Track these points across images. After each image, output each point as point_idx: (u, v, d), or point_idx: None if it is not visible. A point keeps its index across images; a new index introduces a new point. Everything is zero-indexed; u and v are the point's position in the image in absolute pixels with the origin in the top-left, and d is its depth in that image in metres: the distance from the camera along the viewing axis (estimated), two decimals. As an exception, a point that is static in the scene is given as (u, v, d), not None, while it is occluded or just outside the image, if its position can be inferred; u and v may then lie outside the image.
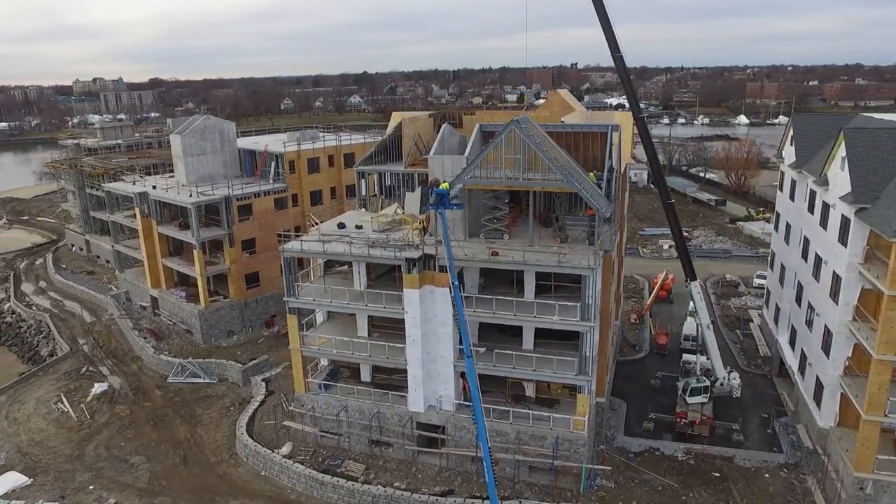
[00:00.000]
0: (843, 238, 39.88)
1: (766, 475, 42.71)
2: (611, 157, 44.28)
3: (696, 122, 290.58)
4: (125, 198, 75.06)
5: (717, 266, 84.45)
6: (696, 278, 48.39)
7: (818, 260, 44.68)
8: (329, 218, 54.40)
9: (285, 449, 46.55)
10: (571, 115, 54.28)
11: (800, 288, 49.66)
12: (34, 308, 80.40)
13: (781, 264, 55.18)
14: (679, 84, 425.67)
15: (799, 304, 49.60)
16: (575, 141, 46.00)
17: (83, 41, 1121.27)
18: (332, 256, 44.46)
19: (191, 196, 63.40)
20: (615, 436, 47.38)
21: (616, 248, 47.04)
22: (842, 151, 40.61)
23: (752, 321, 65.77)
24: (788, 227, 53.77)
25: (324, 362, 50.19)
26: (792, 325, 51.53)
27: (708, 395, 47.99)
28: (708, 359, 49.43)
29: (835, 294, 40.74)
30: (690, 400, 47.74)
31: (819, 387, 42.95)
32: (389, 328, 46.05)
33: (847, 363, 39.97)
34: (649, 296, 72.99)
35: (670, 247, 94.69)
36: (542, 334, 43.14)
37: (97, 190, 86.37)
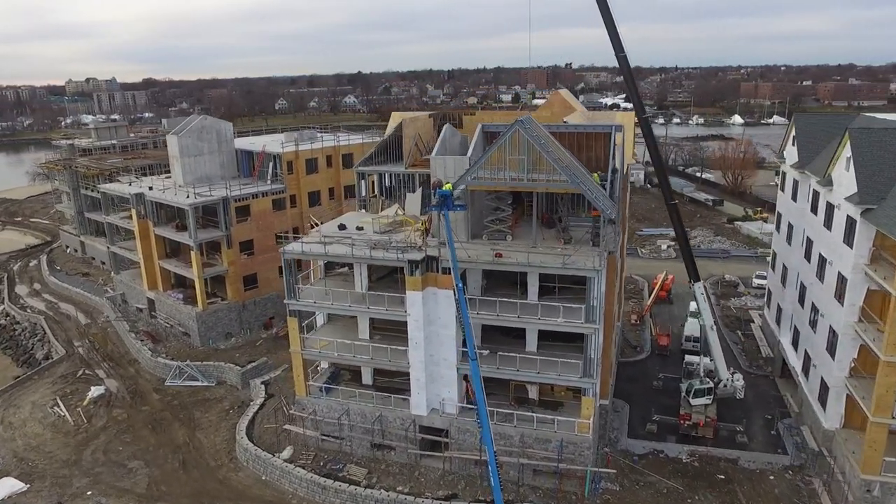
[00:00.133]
0: (848, 239, 39.68)
1: (772, 477, 42.48)
2: (614, 158, 44.00)
3: (690, 121, 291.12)
4: (121, 199, 74.32)
5: (716, 266, 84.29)
6: (700, 279, 48.09)
7: (822, 261, 44.49)
8: (328, 219, 53.92)
9: (286, 453, 46.05)
10: (573, 115, 53.98)
11: (802, 289, 49.48)
12: (29, 310, 79.54)
13: (783, 265, 55.01)
14: (673, 84, 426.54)
15: (802, 305, 49.42)
16: (578, 141, 45.67)
17: (75, 41, 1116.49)
18: (333, 258, 43.96)
19: (188, 197, 62.77)
20: (619, 438, 47.08)
21: (618, 249, 46.69)
22: (847, 152, 40.40)
23: (753, 322, 65.62)
24: (790, 227, 53.59)
25: (324, 365, 49.70)
26: (794, 326, 51.35)
27: (712, 397, 47.74)
28: (711, 360, 49.16)
29: (840, 295, 40.54)
30: (694, 402, 47.48)
31: (824, 388, 42.75)
32: (390, 330, 45.59)
33: (853, 364, 39.77)
34: (649, 296, 72.80)
35: (668, 247, 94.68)
36: (544, 336, 42.84)
37: (92, 191, 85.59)
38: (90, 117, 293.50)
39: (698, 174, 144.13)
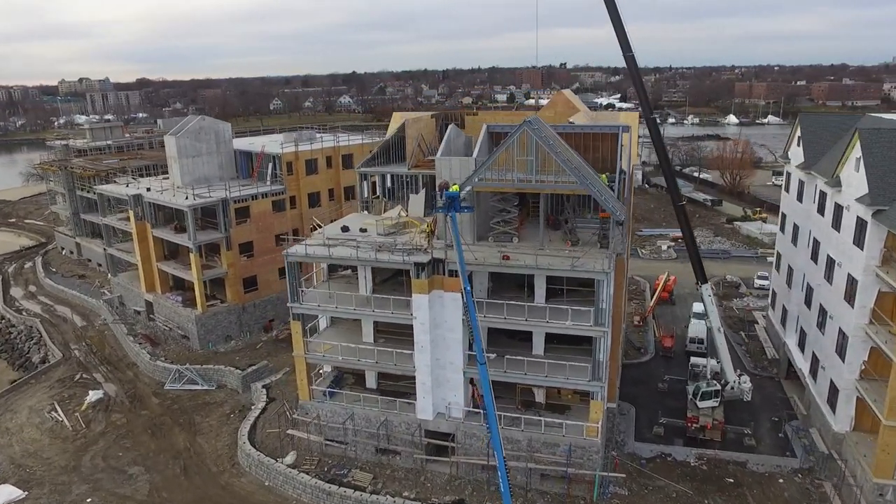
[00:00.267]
0: (858, 240, 39.35)
1: (781, 480, 42.11)
2: (621, 159, 43.55)
3: (686, 121, 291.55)
4: (117, 200, 73.47)
5: (717, 267, 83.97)
6: (707, 281, 47.69)
7: (830, 262, 44.15)
8: (328, 220, 53.31)
9: (289, 458, 45.40)
10: (576, 115, 53.51)
11: (809, 290, 49.16)
12: (24, 313, 78.60)
13: (789, 266, 54.68)
14: (668, 84, 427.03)
15: (808, 307, 49.10)
16: (584, 142, 45.19)
17: (68, 41, 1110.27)
18: (338, 261, 43.32)
19: (187, 199, 62.01)
20: (626, 441, 46.64)
21: (625, 250, 46.31)
22: (856, 152, 40.07)
23: (756, 323, 65.32)
24: (796, 228, 53.28)
25: (327, 369, 49.08)
26: (801, 328, 51.03)
27: (719, 400, 47.36)
28: (718, 362, 48.78)
29: (850, 297, 40.21)
30: (701, 404, 47.08)
31: (833, 391, 42.43)
32: (394, 333, 45.03)
33: (863, 367, 39.44)
34: (651, 297, 72.45)
35: (669, 247, 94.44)
36: (550, 339, 42.33)
37: (88, 192, 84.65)
38: (83, 117, 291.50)
39: (696, 174, 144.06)
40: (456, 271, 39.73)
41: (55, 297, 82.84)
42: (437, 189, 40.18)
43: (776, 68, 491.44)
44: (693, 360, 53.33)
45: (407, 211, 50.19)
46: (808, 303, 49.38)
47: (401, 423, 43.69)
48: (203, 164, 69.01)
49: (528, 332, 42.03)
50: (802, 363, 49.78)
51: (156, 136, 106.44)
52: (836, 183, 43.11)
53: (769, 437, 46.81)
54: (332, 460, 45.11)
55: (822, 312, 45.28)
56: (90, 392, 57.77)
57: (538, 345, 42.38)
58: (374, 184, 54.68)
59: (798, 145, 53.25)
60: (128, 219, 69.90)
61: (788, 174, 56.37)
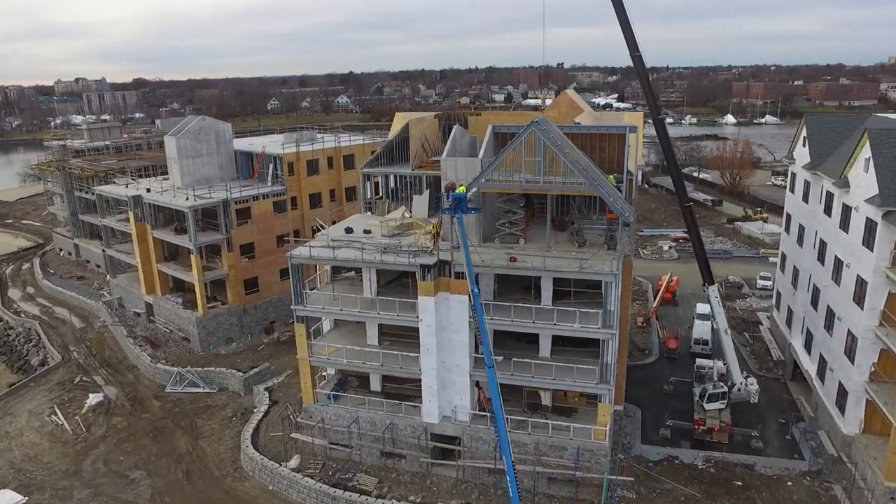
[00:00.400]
0: (868, 241, 39.05)
1: (789, 483, 41.81)
2: (627, 160, 43.20)
3: (683, 121, 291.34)
4: (116, 201, 72.92)
5: (719, 267, 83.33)
6: (714, 282, 47.36)
7: (838, 263, 43.86)
8: (329, 221, 52.83)
9: (293, 462, 44.95)
10: (581, 115, 53.14)
11: (816, 291, 48.87)
12: (23, 315, 77.94)
13: (794, 267, 54.41)
14: (665, 84, 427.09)
15: (815, 308, 48.81)
16: (591, 142, 44.79)
17: (64, 41, 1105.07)
18: (343, 263, 42.88)
19: (188, 200, 61.48)
20: (632, 444, 46.29)
21: (632, 251, 45.97)
22: (865, 153, 39.77)
23: (760, 324, 65.04)
24: (801, 229, 53.00)
25: (330, 371, 48.63)
26: (807, 329, 50.75)
27: (726, 402, 47.03)
28: (725, 363, 48.45)
29: (859, 298, 39.90)
30: (708, 406, 46.74)
31: (842, 393, 42.13)
32: (399, 336, 44.63)
33: (873, 369, 39.15)
34: (654, 298, 72.16)
35: (670, 247, 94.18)
36: (555, 341, 42.00)
37: (86, 193, 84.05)
38: (80, 118, 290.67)
39: (695, 174, 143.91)
40: (462, 273, 39.40)
41: (54, 298, 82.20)
42: (443, 190, 39.79)
43: (773, 68, 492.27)
44: (698, 361, 53.01)
45: (411, 212, 49.78)
46: (814, 304, 49.09)
47: (406, 427, 43.27)
48: (203, 164, 68.49)
49: (534, 335, 41.69)
50: (809, 365, 49.49)
51: (154, 136, 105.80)
52: (845, 184, 42.81)
53: (776, 439, 46.51)
54: (337, 464, 44.69)
55: (830, 314, 44.99)
56: (90, 395, 57.21)
57: (545, 347, 42.05)
58: (376, 184, 54.26)
59: (804, 146, 52.99)
60: (127, 220, 69.34)
61: (794, 175, 56.09)
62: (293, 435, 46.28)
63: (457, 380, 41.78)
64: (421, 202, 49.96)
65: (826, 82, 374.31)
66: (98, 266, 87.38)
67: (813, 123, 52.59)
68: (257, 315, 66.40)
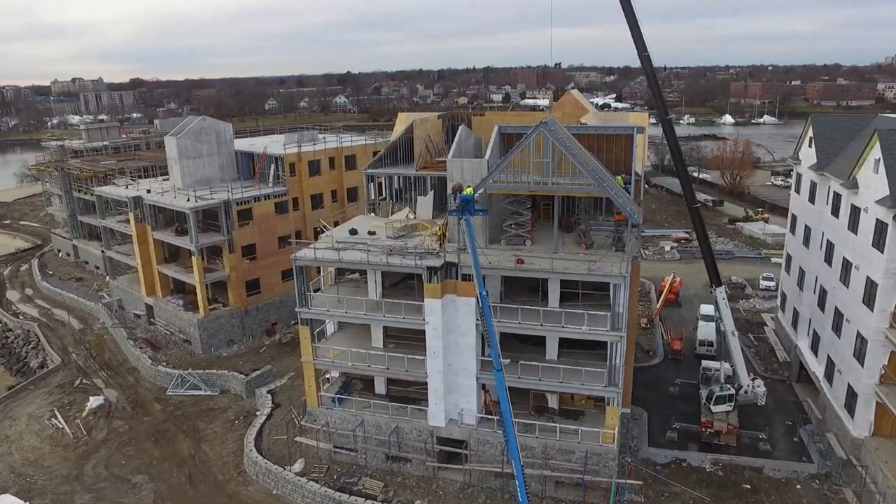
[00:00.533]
0: (878, 243, 38.75)
1: (798, 486, 41.50)
2: (635, 161, 42.86)
3: (682, 121, 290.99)
4: (116, 202, 72.37)
5: (721, 268, 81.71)
6: (722, 284, 47.03)
7: (846, 265, 43.57)
8: (331, 222, 52.41)
9: (297, 466, 44.49)
10: (586, 115, 52.81)
11: (823, 293, 48.59)
12: (21, 317, 77.31)
13: (800, 268, 54.11)
14: (663, 84, 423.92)
15: (822, 310, 48.53)
16: (598, 143, 44.47)
17: (61, 41, 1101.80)
18: (348, 265, 42.44)
19: (189, 201, 60.95)
20: (639, 447, 45.93)
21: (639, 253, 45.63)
22: (875, 153, 39.48)
23: (765, 325, 64.75)
24: (807, 230, 52.72)
25: (334, 374, 48.20)
26: (814, 330, 50.46)
27: (733, 404, 46.71)
28: (732, 365, 48.13)
29: (869, 300, 39.63)
30: (715, 409, 46.43)
31: (851, 395, 41.85)
32: (404, 338, 44.22)
33: (883, 371, 38.86)
34: (657, 299, 71.84)
35: (672, 248, 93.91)
36: (561, 343, 41.63)
37: (85, 193, 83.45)
38: (77, 118, 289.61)
39: (695, 174, 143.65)
40: (469, 275, 39.07)
41: (52, 300, 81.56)
42: (451, 191, 39.45)
43: (769, 68, 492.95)
44: (704, 363, 52.72)
45: (415, 213, 49.40)
46: (821, 305, 48.81)
47: (412, 430, 42.87)
48: (204, 165, 68.00)
49: (540, 337, 41.32)
50: (816, 366, 49.20)
51: (153, 136, 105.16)
52: (853, 184, 42.51)
53: (784, 441, 46.20)
54: (342, 468, 44.25)
55: (838, 315, 44.70)
56: (91, 398, 56.66)
57: (552, 350, 41.69)
58: (379, 185, 53.80)
59: (810, 146, 52.71)
60: (127, 221, 68.80)
61: (799, 175, 55.80)
62: (297, 438, 45.81)
63: (463, 383, 41.38)
64: (425, 203, 49.61)
65: (823, 82, 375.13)
66: (97, 267, 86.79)
67: (819, 124, 52.32)
68: (259, 317, 65.91)
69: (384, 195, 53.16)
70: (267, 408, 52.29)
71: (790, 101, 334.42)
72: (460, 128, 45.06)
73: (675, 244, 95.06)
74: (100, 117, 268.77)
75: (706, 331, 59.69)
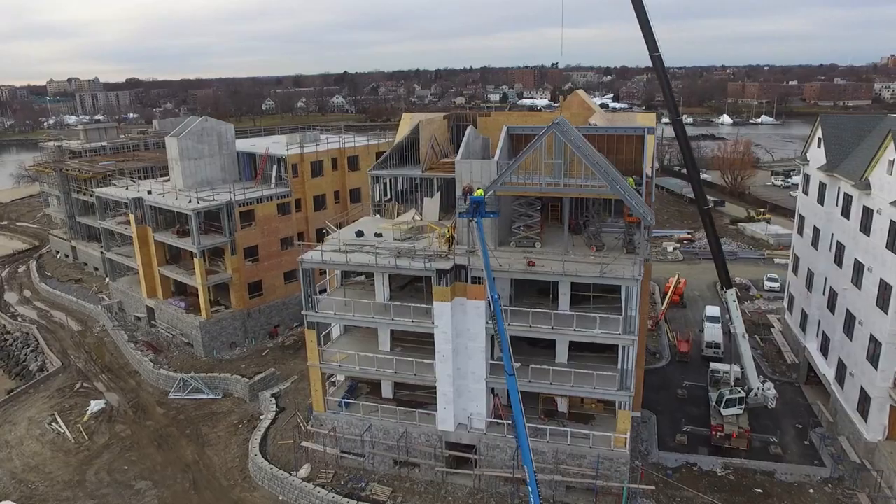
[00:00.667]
0: (893, 245, 38.35)
1: (811, 490, 41.06)
2: (646, 162, 42.38)
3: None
4: (115, 203, 71.61)
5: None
6: (733, 286, 46.58)
7: (859, 266, 43.18)
8: (335, 224, 51.78)
9: (303, 471, 43.89)
10: (593, 116, 52.34)
11: (833, 294, 48.19)
12: (20, 319, 76.46)
13: (808, 269, 53.71)
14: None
15: (832, 312, 48.14)
16: (608, 144, 43.98)
17: (56, 40, 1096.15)
18: (356, 268, 41.81)
19: (190, 202, 60.26)
20: (649, 450, 45.47)
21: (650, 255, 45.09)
22: (889, 154, 39.10)
23: (772, 327, 64.34)
24: (816, 231, 52.32)
25: (340, 377, 47.58)
26: (823, 333, 50.07)
27: (743, 407, 46.27)
28: (742, 368, 47.69)
29: (883, 303, 39.23)
30: (725, 412, 45.99)
31: (864, 398, 41.44)
32: (411, 342, 43.69)
33: (897, 375, 38.47)
34: (661, 300, 71.42)
35: (675, 248, 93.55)
36: (571, 346, 41.15)
37: (84, 194, 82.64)
38: (73, 118, 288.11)
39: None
40: (478, 278, 38.57)
41: (51, 302, 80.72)
42: (461, 193, 38.94)
43: (766, 68, 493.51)
44: (713, 365, 52.31)
45: (421, 214, 48.84)
46: (831, 307, 48.42)
47: (420, 435, 42.30)
48: (205, 166, 67.32)
49: (550, 340, 40.83)
50: (826, 369, 48.80)
51: (152, 137, 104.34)
52: (865, 186, 42.12)
53: (795, 445, 45.76)
54: (349, 473, 43.67)
55: (850, 318, 44.29)
56: (92, 402, 55.96)
57: (562, 353, 41.20)
58: (384, 186, 53.19)
59: (818, 147, 52.31)
60: (127, 222, 68.08)
61: (807, 176, 55.39)
62: (304, 443, 45.19)
63: (472, 387, 40.84)
64: (431, 205, 49.06)
65: (820, 82, 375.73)
66: (96, 269, 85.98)
67: (828, 125, 51.90)
68: (261, 319, 65.26)
69: (389, 196, 52.57)
70: (271, 412, 51.66)
71: (787, 101, 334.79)
72: (468, 128, 44.50)
73: (678, 245, 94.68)
74: (96, 117, 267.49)
75: (713, 332, 59.31)
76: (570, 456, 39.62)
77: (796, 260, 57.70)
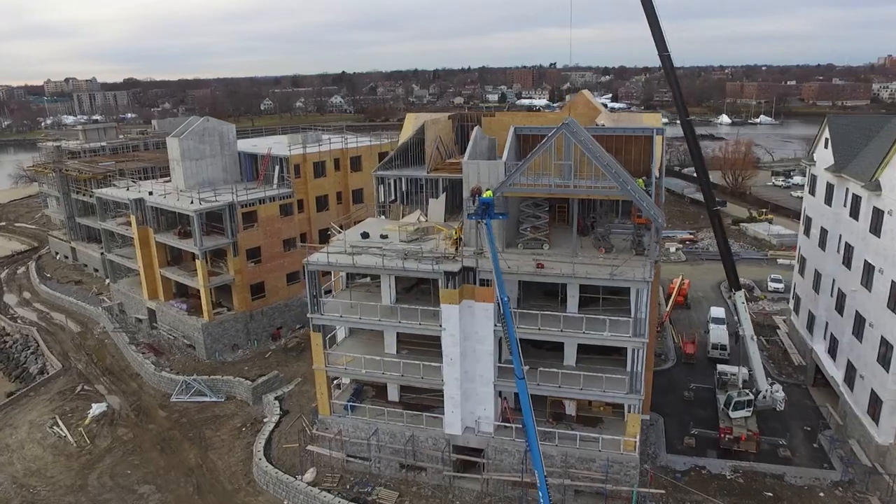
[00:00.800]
0: (904, 246, 38.03)
1: (822, 494, 40.72)
2: (654, 163, 42.01)
3: (678, 121, 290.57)
4: (115, 203, 71.04)
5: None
6: (741, 288, 46.24)
7: (868, 268, 42.85)
8: (338, 225, 51.31)
9: (309, 475, 43.43)
10: (600, 116, 51.98)
11: (841, 296, 47.88)
12: (19, 321, 75.86)
13: (815, 271, 53.39)
14: (659, 84, 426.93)
15: (840, 313, 47.82)
16: (616, 145, 43.61)
17: (54, 40, 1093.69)
18: (362, 270, 41.38)
19: (192, 203, 59.75)
20: (657, 453, 45.08)
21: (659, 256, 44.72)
22: (901, 155, 38.76)
23: (777, 328, 64.02)
24: (823, 232, 52.00)
25: (345, 380, 47.14)
26: (831, 334, 49.76)
27: (751, 409, 45.92)
28: (750, 370, 47.35)
29: (894, 304, 38.86)
30: (734, 414, 45.62)
31: (875, 401, 41.11)
32: (417, 344, 43.25)
33: (909, 377, 38.14)
34: (665, 302, 71.08)
35: (678, 249, 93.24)
36: (578, 349, 40.75)
37: (84, 195, 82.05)
38: (71, 118, 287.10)
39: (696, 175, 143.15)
40: (486, 280, 38.19)
41: (51, 304, 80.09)
42: (470, 195, 38.55)
43: (764, 68, 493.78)
44: (720, 367, 51.96)
45: (426, 216, 48.41)
46: (839, 309, 48.11)
47: (427, 439, 41.88)
48: (207, 166, 66.83)
49: (556, 343, 40.43)
50: (835, 371, 48.48)
51: (151, 137, 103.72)
52: (876, 187, 41.79)
53: (804, 447, 45.41)
54: (354, 477, 43.24)
55: (860, 320, 43.97)
56: (93, 405, 55.45)
57: (570, 356, 40.83)
58: (388, 186, 52.71)
59: (826, 147, 51.98)
60: (127, 223, 67.54)
61: (814, 177, 55.09)
62: (309, 447, 44.74)
63: (480, 390, 40.44)
64: (437, 206, 48.65)
65: (819, 82, 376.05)
66: (96, 270, 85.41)
67: (836, 125, 51.59)
68: (264, 321, 64.79)
69: (394, 197, 52.14)
70: (275, 415, 51.23)
71: (786, 101, 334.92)
72: (475, 129, 44.11)
73: (681, 245, 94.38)
74: (94, 117, 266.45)
75: (719, 334, 59.00)
76: (579, 460, 39.24)
77: (803, 261, 57.39)
